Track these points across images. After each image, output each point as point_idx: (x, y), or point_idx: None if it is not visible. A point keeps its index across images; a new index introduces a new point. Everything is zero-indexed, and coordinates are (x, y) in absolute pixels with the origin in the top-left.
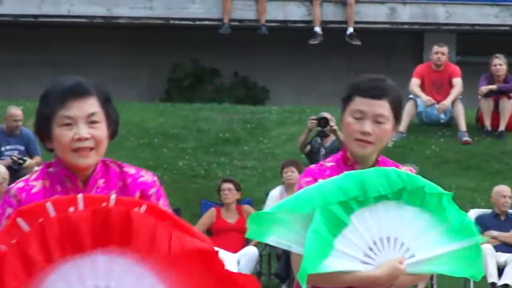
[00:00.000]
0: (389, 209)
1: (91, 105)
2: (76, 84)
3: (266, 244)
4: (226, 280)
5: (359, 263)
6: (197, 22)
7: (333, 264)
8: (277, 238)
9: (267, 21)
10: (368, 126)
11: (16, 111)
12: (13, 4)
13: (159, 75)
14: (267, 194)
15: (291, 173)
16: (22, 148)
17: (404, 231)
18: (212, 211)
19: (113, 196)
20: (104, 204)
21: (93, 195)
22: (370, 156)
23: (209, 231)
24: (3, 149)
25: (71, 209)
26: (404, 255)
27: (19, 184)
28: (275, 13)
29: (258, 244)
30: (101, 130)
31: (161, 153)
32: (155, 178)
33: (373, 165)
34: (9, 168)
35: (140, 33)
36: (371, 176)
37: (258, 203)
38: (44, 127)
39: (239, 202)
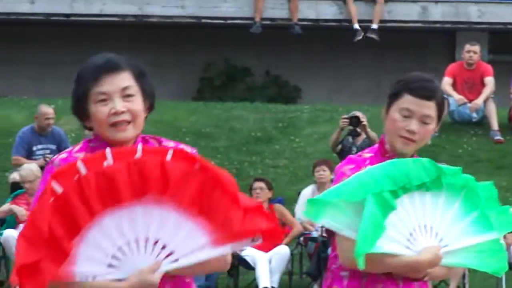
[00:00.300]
0: (424, 197)
1: (124, 79)
2: (108, 60)
3: (298, 243)
4: (251, 211)
5: (403, 247)
6: (229, 21)
7: (384, 245)
8: (330, 221)
9: (299, 19)
10: (414, 125)
11: (47, 109)
12: (45, 3)
13: (191, 74)
14: (298, 193)
15: (323, 172)
16: (53, 147)
17: (438, 220)
18: None
19: (139, 146)
20: (135, 156)
21: (120, 148)
22: (408, 153)
23: None
24: (34, 148)
25: (105, 164)
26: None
27: (62, 155)
28: (307, 12)
29: (289, 243)
30: (137, 104)
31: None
32: (194, 150)
33: None
34: (41, 168)
35: (172, 32)
36: (412, 165)
37: (290, 202)
38: (81, 107)
39: (270, 201)
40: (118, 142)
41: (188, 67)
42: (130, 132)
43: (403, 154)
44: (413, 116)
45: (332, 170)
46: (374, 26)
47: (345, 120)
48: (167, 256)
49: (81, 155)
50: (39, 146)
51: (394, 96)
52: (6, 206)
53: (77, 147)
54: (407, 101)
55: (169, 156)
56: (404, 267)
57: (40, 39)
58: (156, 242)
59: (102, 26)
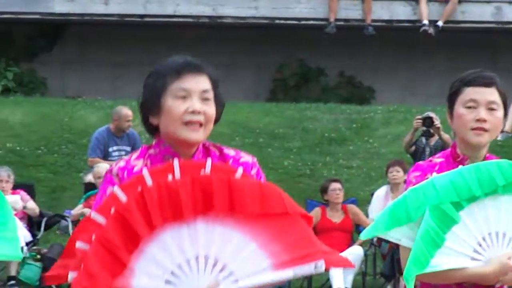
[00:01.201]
0: (497, 202)
1: (205, 82)
2: (191, 60)
3: (371, 244)
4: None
5: (468, 259)
6: (303, 22)
7: (441, 262)
8: (388, 231)
9: (373, 20)
10: (483, 113)
11: (128, 111)
12: (119, 4)
13: (264, 75)
14: (372, 194)
15: (397, 173)
16: (128, 149)
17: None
18: (317, 210)
19: (208, 162)
20: (202, 171)
21: (188, 161)
22: (481, 150)
23: (314, 231)
24: (110, 149)
25: (169, 177)
26: None
27: (120, 163)
28: (380, 12)
29: (363, 244)
30: (212, 109)
31: (267, 152)
32: (255, 160)
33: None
34: None
35: (245, 33)
36: (485, 170)
37: (363, 203)
38: (155, 100)
39: (343, 201)
40: (187, 142)
41: (262, 68)
42: (200, 135)
43: (479, 148)
44: (479, 105)
45: (405, 171)
46: (440, 23)
47: (419, 120)
48: (227, 276)
49: (139, 162)
50: (115, 148)
51: (455, 95)
52: (79, 209)
53: (135, 154)
54: (469, 92)
55: (238, 175)
56: (465, 279)
57: (114, 40)
58: (215, 262)
59: (176, 27)
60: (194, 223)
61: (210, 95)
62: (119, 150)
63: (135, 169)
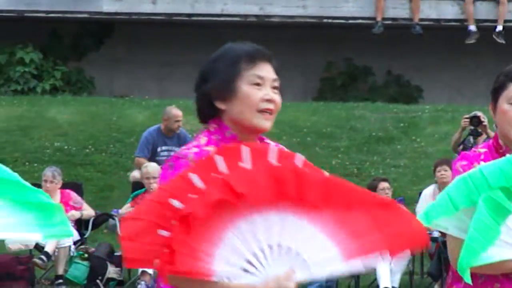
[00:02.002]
0: None
1: (273, 71)
2: (262, 47)
3: None
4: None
5: None
6: (350, 21)
7: (494, 253)
8: (435, 220)
9: (420, 19)
10: None
11: (177, 111)
12: (167, 3)
13: (312, 74)
14: (419, 193)
15: (444, 172)
16: (177, 149)
17: None
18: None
19: (273, 148)
20: (270, 157)
21: (253, 146)
22: None
23: None
24: (159, 149)
25: (242, 164)
26: None
27: (193, 149)
28: (428, 11)
29: None
30: (280, 98)
31: (314, 152)
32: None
33: None
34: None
35: (293, 32)
36: None
37: (411, 202)
38: (227, 84)
39: None
40: (256, 130)
41: (309, 67)
42: (269, 123)
43: None
44: None
45: None
46: (500, 27)
47: (466, 120)
48: (300, 264)
49: (211, 149)
50: (163, 148)
51: (499, 90)
52: (127, 208)
53: (203, 141)
54: None
55: (298, 162)
56: None
57: (162, 39)
58: (288, 250)
59: (224, 26)
60: (268, 212)
61: (278, 84)
62: (168, 150)
63: (210, 153)
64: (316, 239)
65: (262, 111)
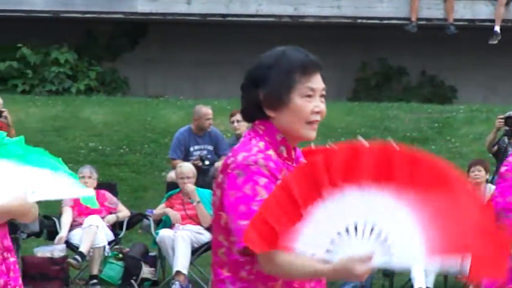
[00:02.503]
0: None
1: (322, 80)
2: (314, 57)
3: None
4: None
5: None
6: (385, 21)
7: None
8: None
9: (455, 19)
10: None
11: (207, 110)
12: (201, 4)
13: (346, 74)
14: None
15: (478, 172)
16: (210, 148)
17: None
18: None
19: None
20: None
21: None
22: None
23: None
24: (191, 149)
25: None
26: None
27: (259, 155)
28: (462, 11)
29: None
30: (325, 106)
31: None
32: None
33: None
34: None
35: (327, 32)
36: None
37: None
38: (280, 95)
39: None
40: (304, 139)
41: (344, 68)
42: (315, 133)
43: None
44: None
45: (487, 170)
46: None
47: (501, 120)
48: (383, 249)
49: (272, 152)
50: (196, 147)
51: None
52: (161, 208)
53: (262, 145)
54: None
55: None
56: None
57: (196, 40)
58: (373, 228)
59: (258, 26)
60: (368, 189)
61: (325, 91)
62: (200, 149)
63: (273, 158)
64: (407, 224)
65: (310, 122)
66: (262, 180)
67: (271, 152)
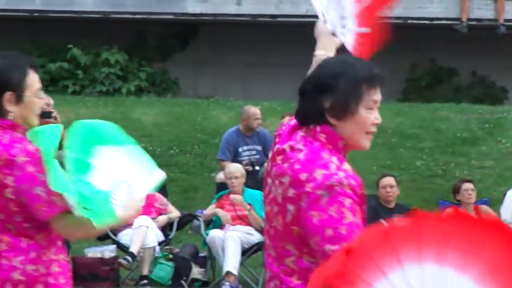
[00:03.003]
0: None
1: None
2: (379, 70)
3: None
4: None
5: None
6: (435, 22)
7: None
8: None
9: (505, 20)
10: None
11: (256, 110)
12: (251, 4)
13: (396, 75)
14: (504, 194)
15: None
16: (259, 148)
17: None
18: (449, 211)
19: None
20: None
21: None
22: None
23: None
24: (240, 149)
25: None
26: None
27: (340, 173)
28: None
29: None
30: None
31: (398, 153)
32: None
33: None
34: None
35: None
36: None
37: (496, 203)
38: (347, 105)
39: (475, 202)
40: (362, 149)
41: (394, 68)
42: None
43: None
44: None
45: None
46: None
47: None
48: None
49: (347, 166)
50: (245, 147)
51: None
52: (212, 209)
53: (335, 159)
54: None
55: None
56: None
57: (246, 40)
58: None
59: (308, 27)
60: (426, 264)
61: None
62: (249, 150)
63: (349, 172)
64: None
65: (369, 133)
66: (347, 202)
67: (346, 166)
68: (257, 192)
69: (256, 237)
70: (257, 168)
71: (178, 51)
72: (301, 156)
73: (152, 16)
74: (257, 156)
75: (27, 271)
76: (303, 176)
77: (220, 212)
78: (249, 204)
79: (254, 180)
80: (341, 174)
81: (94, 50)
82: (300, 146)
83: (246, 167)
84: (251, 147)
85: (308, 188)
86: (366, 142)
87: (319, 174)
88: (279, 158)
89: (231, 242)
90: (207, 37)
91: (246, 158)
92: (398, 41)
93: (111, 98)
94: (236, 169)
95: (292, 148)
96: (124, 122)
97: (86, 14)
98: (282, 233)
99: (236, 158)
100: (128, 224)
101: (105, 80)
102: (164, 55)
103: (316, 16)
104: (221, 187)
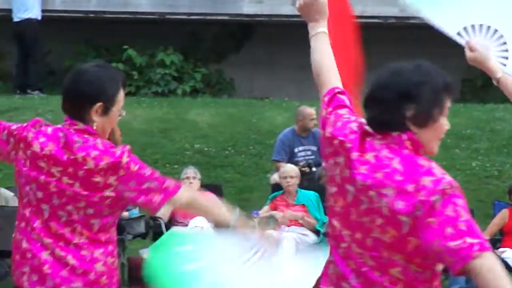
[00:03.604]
0: None
1: None
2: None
3: None
4: None
5: None
6: None
7: None
8: None
9: None
10: None
11: (311, 110)
12: None
13: (452, 75)
14: None
15: None
16: (314, 148)
17: None
18: (504, 212)
19: None
20: None
21: None
22: None
23: (501, 232)
24: (296, 150)
25: None
26: None
27: (447, 177)
28: None
29: None
30: None
31: (454, 153)
32: None
33: None
34: (301, 172)
35: (433, 33)
36: None
37: None
38: (431, 116)
39: None
40: (428, 154)
41: (449, 69)
42: None
43: None
44: None
45: None
46: None
47: None
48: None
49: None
50: (300, 148)
51: None
52: (267, 211)
53: (434, 165)
54: None
55: None
56: None
57: (301, 42)
58: None
59: (363, 27)
60: None
61: None
62: (304, 150)
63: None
64: None
65: (440, 139)
66: (460, 201)
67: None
68: (311, 193)
69: (310, 237)
70: (314, 169)
71: (233, 52)
72: (396, 165)
73: (208, 17)
74: (313, 157)
75: (107, 262)
76: (410, 187)
77: (276, 214)
78: (303, 205)
79: (310, 181)
80: (448, 177)
81: (149, 51)
82: (386, 154)
83: (303, 169)
84: (306, 147)
85: (421, 197)
86: (436, 148)
87: (427, 181)
88: (363, 168)
89: (286, 243)
90: (262, 38)
91: (302, 158)
92: (453, 41)
93: (167, 99)
94: (291, 168)
95: (377, 158)
96: (179, 123)
97: (142, 15)
98: (391, 244)
99: (292, 159)
100: (183, 225)
101: (161, 81)
102: (219, 56)
103: (371, 17)
104: (276, 188)
